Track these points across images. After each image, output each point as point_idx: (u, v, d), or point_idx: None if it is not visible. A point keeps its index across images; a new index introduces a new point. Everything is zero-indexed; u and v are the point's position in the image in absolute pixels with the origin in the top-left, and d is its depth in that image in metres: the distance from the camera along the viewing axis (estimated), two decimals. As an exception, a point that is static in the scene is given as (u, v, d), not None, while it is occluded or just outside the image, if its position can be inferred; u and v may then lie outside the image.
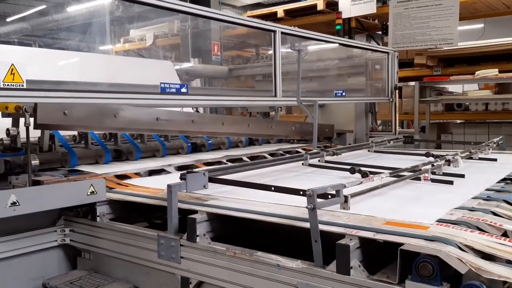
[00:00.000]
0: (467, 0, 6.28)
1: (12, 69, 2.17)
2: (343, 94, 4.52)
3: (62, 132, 3.01)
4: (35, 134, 2.85)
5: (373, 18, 7.75)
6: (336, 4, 7.24)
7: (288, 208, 1.96)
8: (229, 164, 3.21)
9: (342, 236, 1.61)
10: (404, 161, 3.29)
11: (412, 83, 6.39)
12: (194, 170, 2.60)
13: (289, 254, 1.73)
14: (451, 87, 6.80)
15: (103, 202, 2.33)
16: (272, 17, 7.98)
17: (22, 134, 2.50)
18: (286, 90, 3.79)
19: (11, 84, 2.16)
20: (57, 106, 2.43)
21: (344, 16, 7.14)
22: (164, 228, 2.05)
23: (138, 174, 2.87)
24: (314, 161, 3.26)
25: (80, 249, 2.43)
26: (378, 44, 7.55)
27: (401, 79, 5.85)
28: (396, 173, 2.53)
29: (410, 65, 6.72)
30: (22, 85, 2.21)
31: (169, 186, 2.01)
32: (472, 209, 1.93)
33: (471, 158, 3.36)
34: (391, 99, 5.25)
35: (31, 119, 2.29)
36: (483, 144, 3.73)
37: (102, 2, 10.38)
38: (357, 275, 1.53)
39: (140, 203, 2.30)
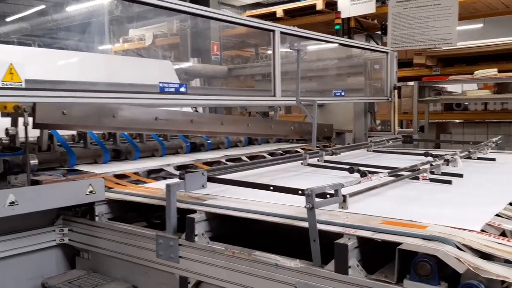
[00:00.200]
0: (466, 0, 6.28)
1: (11, 69, 2.17)
2: (342, 94, 4.52)
3: (61, 132, 3.01)
4: (34, 133, 2.86)
5: (372, 18, 7.77)
6: (335, 4, 7.25)
7: (286, 208, 1.96)
8: (228, 163, 3.22)
9: (340, 235, 1.61)
10: (403, 161, 3.29)
11: (411, 83, 6.40)
12: (193, 169, 2.60)
13: (289, 253, 1.73)
14: (450, 87, 6.81)
15: (101, 202, 2.32)
16: (272, 17, 7.99)
17: (21, 134, 2.50)
18: (285, 90, 3.78)
19: (9, 84, 2.16)
20: (56, 105, 2.43)
21: (343, 16, 7.15)
22: (163, 228, 2.05)
23: (137, 174, 2.87)
24: (313, 160, 3.26)
25: (78, 249, 2.42)
26: (377, 44, 7.56)
27: (400, 79, 5.85)
28: (394, 172, 2.54)
29: (409, 65, 6.72)
30: (21, 85, 2.20)
31: (167, 185, 2.01)
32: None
33: (470, 158, 3.37)
34: (390, 99, 5.25)
35: (30, 119, 2.29)
36: (482, 143, 3.73)
37: (101, 2, 10.38)
38: (355, 274, 1.53)
39: (139, 203, 2.31)
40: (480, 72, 5.73)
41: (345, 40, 5.27)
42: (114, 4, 9.35)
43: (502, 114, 6.15)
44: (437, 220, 1.72)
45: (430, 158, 3.14)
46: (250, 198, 2.17)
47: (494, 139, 3.94)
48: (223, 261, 1.84)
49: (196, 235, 1.92)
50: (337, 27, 7.16)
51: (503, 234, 1.72)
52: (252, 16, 7.87)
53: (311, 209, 1.65)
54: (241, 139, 4.24)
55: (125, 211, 2.43)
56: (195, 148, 3.79)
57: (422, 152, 3.59)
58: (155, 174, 3.01)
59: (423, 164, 2.75)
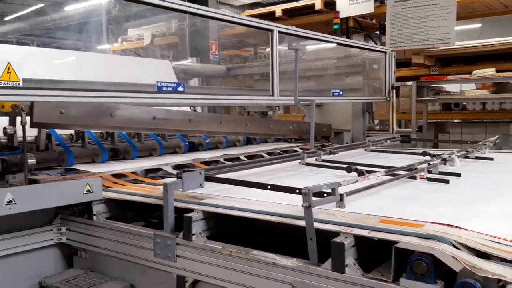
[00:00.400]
0: (464, 0, 6.29)
1: (8, 68, 2.17)
2: (341, 93, 4.53)
3: (59, 131, 3.01)
4: (32, 133, 2.85)
5: (370, 17, 7.78)
6: (334, 3, 7.25)
7: (284, 207, 1.96)
8: (227, 163, 3.22)
9: (337, 234, 1.62)
10: (400, 160, 3.30)
11: (410, 83, 6.41)
12: (191, 169, 2.60)
13: (286, 252, 1.74)
14: (448, 87, 6.82)
15: (99, 201, 2.33)
16: (270, 16, 8.00)
17: (19, 133, 2.50)
18: (284, 90, 3.78)
19: (7, 83, 2.16)
20: (53, 104, 2.43)
21: (341, 15, 7.16)
22: (161, 227, 2.05)
23: (134, 173, 2.87)
24: (311, 160, 3.27)
25: (76, 248, 2.42)
26: (376, 44, 7.57)
27: (398, 79, 5.86)
28: (392, 172, 2.54)
29: (407, 65, 6.73)
30: (19, 84, 2.20)
31: (165, 184, 2.01)
32: None
33: (468, 157, 3.37)
34: (388, 99, 5.26)
35: (28, 118, 2.29)
36: (480, 143, 3.74)
37: (100, 1, 10.38)
38: (352, 273, 1.53)
39: (137, 202, 2.31)
40: (478, 72, 5.75)
41: (343, 39, 5.27)
42: (112, 3, 9.35)
43: (500, 114, 6.16)
44: (434, 219, 1.72)
45: (427, 158, 3.15)
46: (248, 197, 2.18)
47: (492, 139, 3.95)
48: (220, 260, 1.85)
49: (193, 234, 1.92)
50: (335, 26, 7.16)
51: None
52: (251, 15, 7.88)
53: (308, 208, 1.66)
54: (240, 138, 4.24)
55: (123, 211, 2.43)
56: (193, 147, 3.79)
57: (420, 151, 3.59)
58: (153, 173, 3.01)
59: (420, 163, 2.76)
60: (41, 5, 13.26)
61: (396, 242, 1.48)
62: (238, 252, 1.80)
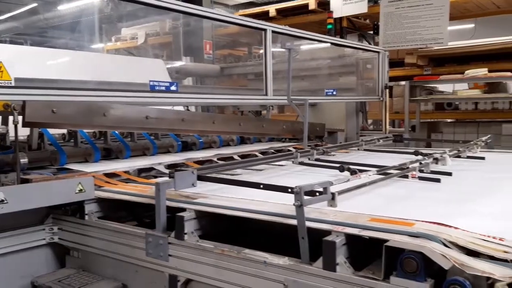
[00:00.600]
0: (457, 0, 6.33)
1: (0, 67, 2.16)
2: (334, 93, 4.54)
3: (52, 131, 3.00)
4: (24, 132, 2.85)
5: (364, 17, 7.80)
6: (328, 3, 7.27)
7: (276, 206, 1.96)
8: (220, 162, 3.22)
9: (329, 233, 1.63)
10: (393, 160, 3.31)
11: (403, 83, 6.43)
12: (184, 168, 2.60)
13: (279, 251, 1.74)
14: (441, 87, 6.85)
15: (91, 200, 2.32)
16: (264, 16, 8.00)
17: (11, 132, 2.49)
18: (277, 89, 3.79)
19: (-1, 82, 2.15)
20: (46, 104, 2.42)
21: (335, 15, 7.17)
22: (154, 227, 2.05)
23: (127, 173, 2.87)
24: (305, 159, 3.27)
25: (68, 248, 2.42)
26: (370, 44, 7.59)
27: (391, 79, 5.88)
28: (383, 171, 2.55)
29: (401, 65, 6.76)
30: (10, 83, 2.19)
31: (157, 184, 2.01)
32: None
33: (459, 157, 3.40)
34: (381, 98, 5.28)
35: (20, 117, 2.28)
36: (472, 142, 3.76)
37: (93, 0, 10.33)
38: (343, 271, 1.54)
39: (130, 202, 2.31)
40: (470, 72, 5.78)
41: (336, 39, 5.28)
42: (105, 2, 9.31)
43: (492, 114, 6.21)
44: (424, 218, 1.73)
45: (419, 157, 3.16)
46: (241, 196, 2.18)
47: (483, 138, 3.97)
48: (212, 259, 1.85)
49: (185, 234, 1.92)
50: (329, 26, 7.18)
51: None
52: (245, 15, 7.88)
53: (299, 207, 1.66)
54: (233, 138, 4.24)
55: (115, 210, 2.43)
56: (186, 147, 3.79)
57: (412, 151, 3.61)
58: (146, 173, 3.01)
59: (412, 162, 2.77)
60: (35, 4, 13.19)
61: (386, 241, 1.49)
62: (230, 251, 1.80)
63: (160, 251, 1.99)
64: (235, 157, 3.59)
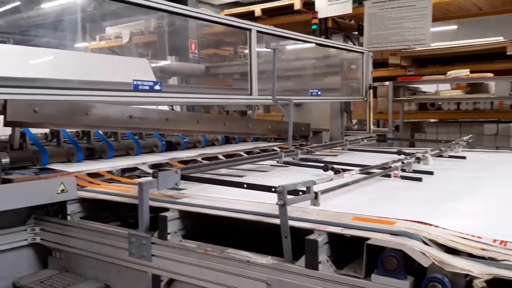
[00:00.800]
0: (440, 2, 6.41)
1: (-20, 66, 2.14)
2: (319, 93, 4.56)
3: (34, 130, 2.97)
4: (6, 131, 2.81)
5: (349, 18, 7.86)
6: (313, 4, 7.30)
7: (260, 205, 1.97)
8: (204, 162, 3.21)
9: (311, 231, 1.64)
10: (376, 159, 3.33)
11: (387, 83, 6.50)
12: (167, 168, 2.59)
13: (263, 251, 1.75)
14: (424, 87, 6.94)
15: (73, 201, 2.30)
16: (250, 16, 8.00)
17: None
18: (262, 89, 3.80)
19: (-21, 81, 2.12)
20: (27, 103, 2.39)
21: (320, 16, 7.21)
22: (137, 227, 2.04)
23: (111, 173, 2.85)
24: (289, 159, 3.29)
25: (50, 248, 2.39)
26: (355, 44, 7.64)
27: (376, 79, 5.94)
28: (366, 170, 2.58)
29: (385, 65, 6.83)
30: (-9, 82, 2.17)
31: (140, 184, 2.00)
32: None
33: (441, 156, 3.44)
34: (365, 99, 5.32)
35: (1, 117, 2.25)
36: (453, 142, 3.82)
37: (77, -1, 10.23)
38: (325, 269, 1.55)
39: (113, 202, 2.29)
40: (453, 73, 5.87)
41: (321, 40, 5.31)
42: (88, 0, 9.21)
43: (474, 114, 6.30)
44: (406, 217, 1.76)
45: (402, 156, 3.20)
46: (225, 196, 2.18)
47: (465, 138, 4.03)
48: (195, 259, 1.85)
49: (168, 233, 1.92)
50: (314, 27, 7.21)
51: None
52: (230, 15, 7.88)
53: (283, 206, 1.67)
54: (218, 137, 4.24)
55: (98, 211, 2.41)
56: (171, 146, 3.77)
57: (395, 150, 3.65)
58: (129, 172, 2.98)
59: (395, 162, 2.80)
60: (18, 3, 13.00)
61: (368, 239, 1.51)
62: (213, 251, 1.80)
63: (143, 251, 1.98)
64: (220, 156, 3.59)
